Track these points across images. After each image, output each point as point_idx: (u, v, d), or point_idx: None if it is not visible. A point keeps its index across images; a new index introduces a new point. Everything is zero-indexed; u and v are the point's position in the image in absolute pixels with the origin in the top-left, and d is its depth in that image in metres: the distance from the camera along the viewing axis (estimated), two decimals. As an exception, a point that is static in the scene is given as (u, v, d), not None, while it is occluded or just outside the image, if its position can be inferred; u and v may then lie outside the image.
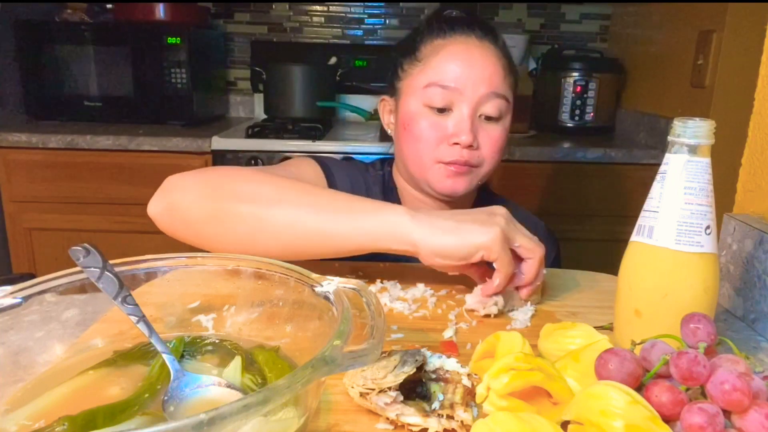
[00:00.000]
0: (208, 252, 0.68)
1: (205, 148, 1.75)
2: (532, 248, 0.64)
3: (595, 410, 0.37)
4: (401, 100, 0.86)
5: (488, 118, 0.82)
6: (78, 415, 0.38)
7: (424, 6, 2.29)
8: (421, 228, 0.62)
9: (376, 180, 0.94)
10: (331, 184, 0.87)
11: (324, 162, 0.89)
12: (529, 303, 0.67)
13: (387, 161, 0.97)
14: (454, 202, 0.88)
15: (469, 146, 0.80)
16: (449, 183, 0.82)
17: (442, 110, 0.81)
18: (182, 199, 0.69)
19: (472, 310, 0.65)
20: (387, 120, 0.93)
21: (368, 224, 0.64)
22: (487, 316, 0.64)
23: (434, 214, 0.65)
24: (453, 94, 0.80)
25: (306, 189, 0.69)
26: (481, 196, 0.95)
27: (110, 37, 1.89)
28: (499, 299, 0.64)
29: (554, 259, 0.96)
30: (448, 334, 0.59)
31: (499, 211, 0.65)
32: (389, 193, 0.93)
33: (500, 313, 0.65)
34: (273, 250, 0.66)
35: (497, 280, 0.63)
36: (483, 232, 0.62)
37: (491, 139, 0.82)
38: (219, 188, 0.69)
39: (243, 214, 0.66)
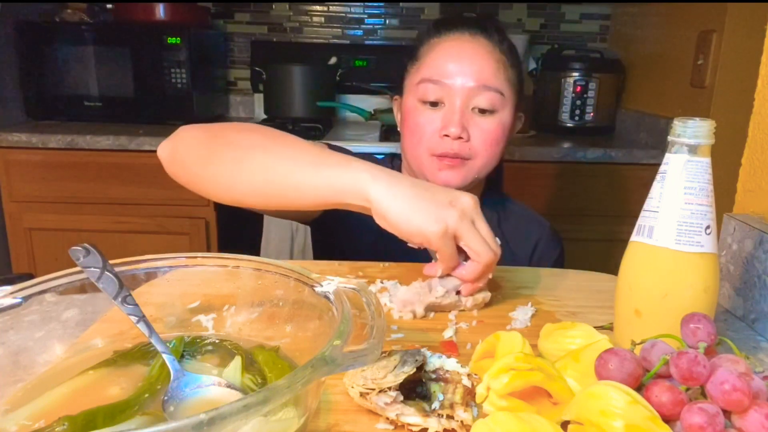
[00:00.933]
0: (203, 196, 0.75)
1: (205, 148, 1.75)
2: (479, 252, 0.61)
3: (595, 410, 0.37)
4: (403, 98, 0.90)
5: (482, 111, 0.83)
6: (78, 415, 0.38)
7: (424, 6, 2.29)
8: (378, 186, 0.61)
9: None
10: None
11: (336, 148, 0.89)
12: (471, 303, 0.64)
13: (397, 156, 0.99)
14: None
15: (459, 138, 0.82)
16: (443, 176, 0.84)
17: (434, 104, 0.84)
18: (183, 143, 0.74)
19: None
20: (398, 118, 0.95)
21: (331, 177, 0.64)
22: (480, 319, 0.64)
23: (400, 176, 0.63)
24: (443, 88, 0.83)
25: (289, 141, 0.70)
26: (491, 196, 0.95)
27: (110, 37, 1.89)
28: (419, 308, 0.63)
29: (557, 260, 0.96)
30: (448, 334, 0.59)
31: (461, 203, 0.61)
32: None
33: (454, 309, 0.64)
34: (250, 196, 0.70)
35: (439, 270, 0.63)
36: (428, 220, 0.59)
37: (483, 131, 0.83)
38: (214, 135, 0.73)
39: (225, 158, 0.70)
